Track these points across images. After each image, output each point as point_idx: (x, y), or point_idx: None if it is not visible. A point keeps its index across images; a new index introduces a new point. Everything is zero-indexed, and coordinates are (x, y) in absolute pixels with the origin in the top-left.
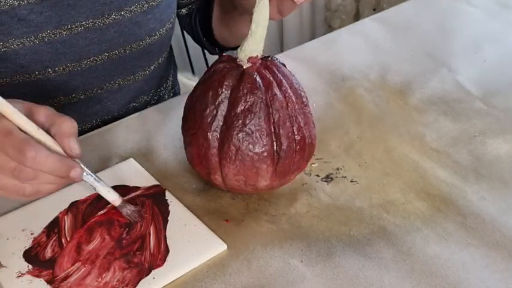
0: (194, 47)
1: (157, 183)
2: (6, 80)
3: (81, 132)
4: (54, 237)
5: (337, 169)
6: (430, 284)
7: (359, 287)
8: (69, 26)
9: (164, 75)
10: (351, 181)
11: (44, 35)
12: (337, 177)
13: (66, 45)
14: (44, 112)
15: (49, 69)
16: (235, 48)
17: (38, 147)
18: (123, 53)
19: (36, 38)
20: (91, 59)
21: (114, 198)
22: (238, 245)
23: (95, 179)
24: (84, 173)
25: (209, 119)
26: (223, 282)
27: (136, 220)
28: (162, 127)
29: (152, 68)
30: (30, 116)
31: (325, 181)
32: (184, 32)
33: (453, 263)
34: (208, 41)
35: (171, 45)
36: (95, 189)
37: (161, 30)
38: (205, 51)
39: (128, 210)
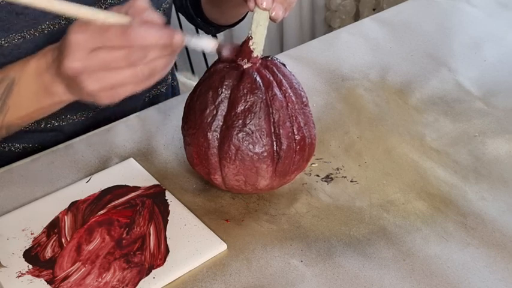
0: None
1: (157, 183)
2: None
3: (81, 130)
4: (54, 237)
5: (337, 169)
6: (430, 284)
7: (359, 287)
8: (67, 16)
9: None
10: (351, 181)
11: (43, 27)
12: (337, 177)
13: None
14: (115, 6)
15: None
16: (230, 26)
17: (136, 25)
18: None
19: (36, 30)
20: None
21: (209, 45)
22: (238, 245)
23: (188, 39)
24: (179, 34)
25: (209, 119)
26: (223, 282)
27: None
28: (162, 127)
29: None
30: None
31: (325, 181)
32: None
33: (453, 263)
34: (202, 20)
35: None
36: (193, 45)
37: (158, 11)
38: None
39: (226, 51)
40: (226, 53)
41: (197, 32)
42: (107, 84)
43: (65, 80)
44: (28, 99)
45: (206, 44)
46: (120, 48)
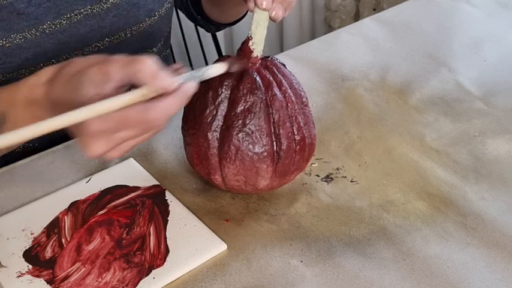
0: (194, 47)
1: (157, 183)
2: (13, 74)
3: None
4: (54, 237)
5: (337, 169)
6: (430, 284)
7: (359, 287)
8: (68, 15)
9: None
10: (351, 181)
11: (44, 26)
12: (337, 177)
13: (68, 34)
14: (117, 67)
15: (53, 60)
16: (230, 24)
17: (154, 105)
18: (124, 37)
19: (37, 30)
20: (93, 46)
21: (220, 69)
22: (238, 245)
23: (200, 75)
24: (193, 82)
25: (209, 119)
26: (223, 282)
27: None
28: None
29: (155, 50)
30: (107, 80)
31: (325, 181)
32: (185, 33)
33: (453, 263)
34: (202, 18)
35: (171, 46)
36: (206, 78)
37: (160, 10)
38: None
39: (235, 67)
40: (235, 69)
41: (197, 30)
42: (126, 150)
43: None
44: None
45: (217, 70)
46: (141, 127)
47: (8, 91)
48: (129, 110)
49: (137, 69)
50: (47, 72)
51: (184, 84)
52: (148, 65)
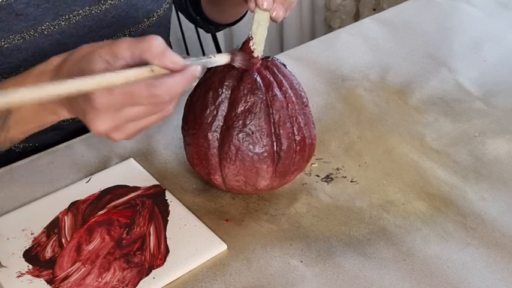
0: (194, 47)
1: (157, 183)
2: (11, 75)
3: (81, 130)
4: (54, 237)
5: (337, 169)
6: (430, 284)
7: (359, 287)
8: (66, 16)
9: None
10: (351, 181)
11: (43, 27)
12: (337, 177)
13: (66, 35)
14: (125, 46)
15: None
16: (230, 25)
17: (160, 81)
18: (122, 38)
19: (35, 31)
20: None
21: (224, 59)
22: (238, 245)
23: (205, 61)
24: (199, 67)
25: (209, 119)
26: (223, 282)
27: (247, 66)
28: (162, 127)
29: None
30: (116, 59)
31: (325, 181)
32: (185, 33)
33: (453, 263)
34: (201, 19)
35: (171, 46)
36: (210, 66)
37: (159, 11)
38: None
39: (239, 61)
40: (238, 63)
41: (197, 31)
42: (134, 132)
43: (72, 112)
44: (30, 118)
45: (221, 59)
46: (154, 110)
47: (17, 78)
48: (135, 85)
49: (145, 47)
50: (56, 60)
51: (191, 65)
52: (156, 43)
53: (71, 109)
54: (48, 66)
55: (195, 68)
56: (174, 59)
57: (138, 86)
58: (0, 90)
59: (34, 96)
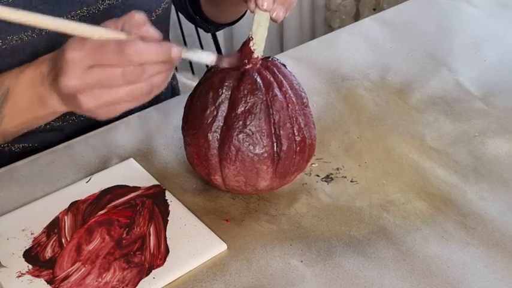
0: (194, 47)
1: (157, 183)
2: None
3: (81, 130)
4: (54, 237)
5: (337, 169)
6: (430, 284)
7: (359, 287)
8: (64, 17)
9: None
10: (351, 181)
11: (41, 28)
12: (337, 177)
13: (64, 36)
14: (109, 21)
15: None
16: (229, 24)
17: (133, 41)
18: None
19: (33, 32)
20: None
21: (207, 58)
22: (238, 245)
23: (189, 53)
24: (176, 48)
25: (209, 120)
26: (223, 282)
27: (235, 64)
28: (162, 127)
29: None
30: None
31: (325, 181)
32: (184, 33)
33: (453, 263)
34: (201, 18)
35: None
36: (191, 60)
37: (157, 10)
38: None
39: (225, 62)
40: (225, 65)
41: (196, 31)
42: (103, 102)
43: (60, 95)
44: (23, 109)
45: (205, 58)
46: (117, 65)
47: (15, 71)
48: (107, 41)
49: (126, 18)
50: (47, 62)
51: (169, 43)
52: (137, 15)
53: (54, 84)
54: (47, 55)
55: (172, 46)
56: (152, 31)
57: (110, 42)
58: None
59: (20, 17)
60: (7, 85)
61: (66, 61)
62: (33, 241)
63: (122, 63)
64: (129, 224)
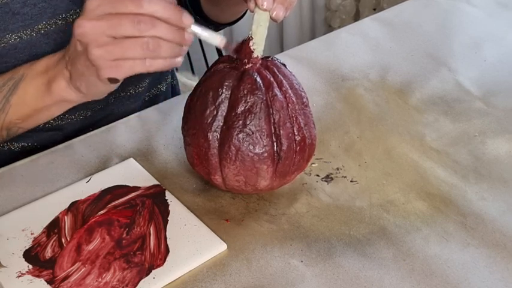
0: (194, 47)
1: (157, 183)
2: None
3: (80, 130)
4: (54, 237)
5: (337, 169)
6: (430, 284)
7: (359, 287)
8: (63, 16)
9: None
10: (351, 181)
11: (39, 27)
12: (337, 177)
13: (63, 35)
14: None
15: None
16: (229, 24)
17: None
18: None
19: (32, 30)
20: None
21: (222, 41)
22: (238, 245)
23: (200, 30)
24: (190, 17)
25: (209, 120)
26: (223, 282)
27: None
28: (162, 127)
29: None
30: None
31: (325, 181)
32: None
33: (453, 263)
34: (201, 18)
35: None
36: (200, 36)
37: None
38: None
39: (232, 50)
40: (231, 52)
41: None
42: (111, 52)
43: (70, 61)
44: (30, 96)
45: (215, 38)
46: (130, 15)
47: (33, 61)
48: None
49: None
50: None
51: (183, 10)
52: None
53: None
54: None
55: (185, 13)
56: None
57: None
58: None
59: None
60: (21, 73)
61: (86, 7)
62: (33, 241)
63: (135, 13)
64: (129, 224)
